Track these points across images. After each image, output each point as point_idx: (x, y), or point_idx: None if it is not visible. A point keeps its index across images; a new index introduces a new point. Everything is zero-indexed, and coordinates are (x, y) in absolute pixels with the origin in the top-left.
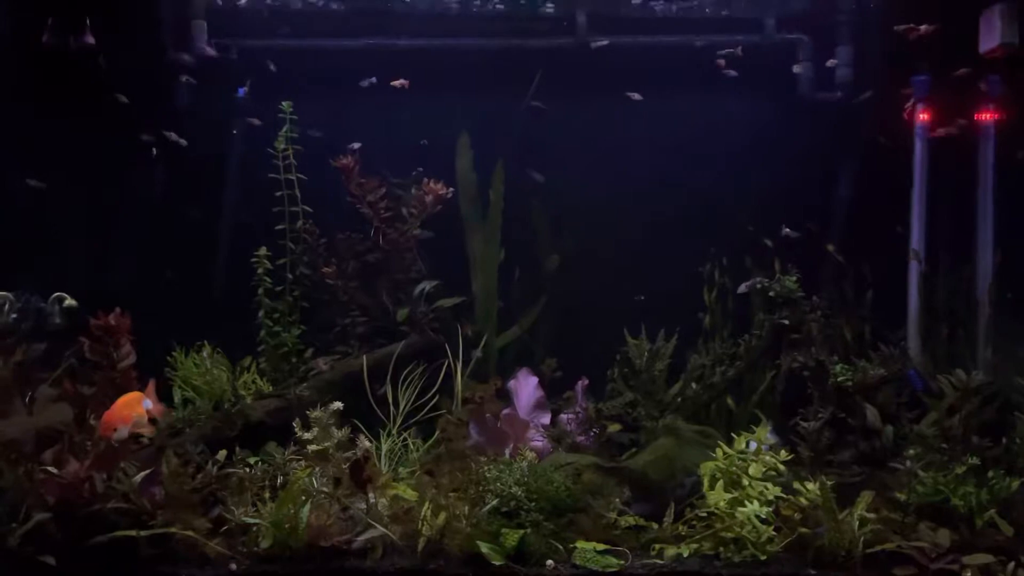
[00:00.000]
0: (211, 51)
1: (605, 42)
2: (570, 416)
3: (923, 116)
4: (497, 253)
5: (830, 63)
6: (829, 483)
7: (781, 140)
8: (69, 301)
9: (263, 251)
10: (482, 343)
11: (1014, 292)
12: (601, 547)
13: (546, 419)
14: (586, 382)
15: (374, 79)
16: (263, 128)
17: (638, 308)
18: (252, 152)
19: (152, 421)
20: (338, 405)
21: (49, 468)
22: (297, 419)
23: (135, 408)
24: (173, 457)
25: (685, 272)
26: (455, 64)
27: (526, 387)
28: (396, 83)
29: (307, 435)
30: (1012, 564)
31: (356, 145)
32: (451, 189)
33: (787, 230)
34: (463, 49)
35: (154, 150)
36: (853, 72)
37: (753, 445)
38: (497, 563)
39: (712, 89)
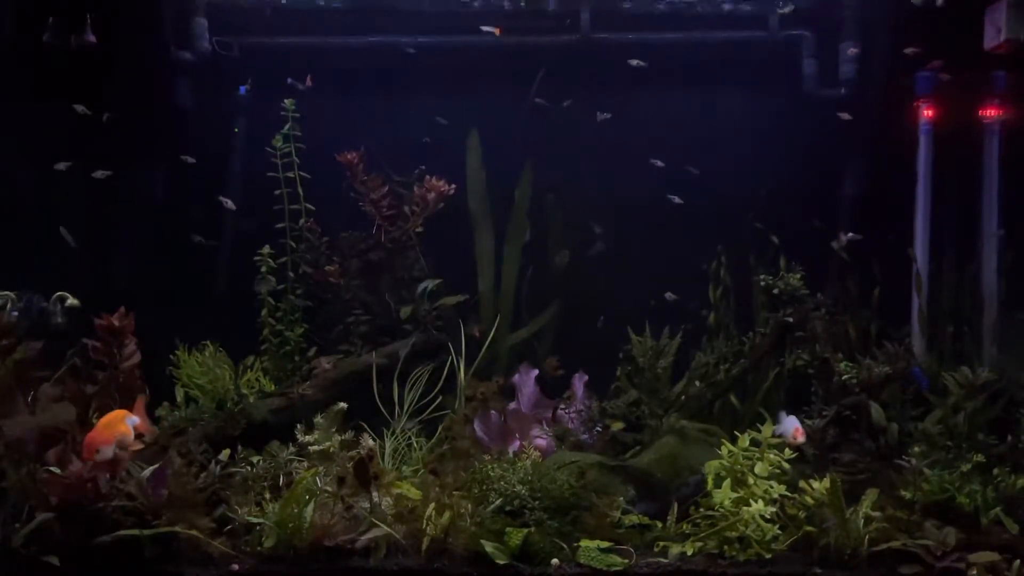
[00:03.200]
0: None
1: None
2: (571, 414)
3: (927, 112)
4: (519, 252)
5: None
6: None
7: (787, 137)
8: (71, 301)
9: (266, 250)
10: (487, 342)
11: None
12: (605, 545)
13: (547, 414)
14: (585, 377)
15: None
16: (268, 126)
17: (643, 306)
18: (256, 151)
19: (139, 437)
20: (342, 406)
21: (52, 468)
22: (300, 422)
23: (117, 427)
24: (177, 457)
25: (691, 269)
26: (460, 62)
27: (528, 381)
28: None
29: (309, 438)
30: (1018, 562)
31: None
32: (453, 186)
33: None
34: (468, 46)
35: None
36: (859, 69)
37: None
38: (501, 562)
39: (717, 85)
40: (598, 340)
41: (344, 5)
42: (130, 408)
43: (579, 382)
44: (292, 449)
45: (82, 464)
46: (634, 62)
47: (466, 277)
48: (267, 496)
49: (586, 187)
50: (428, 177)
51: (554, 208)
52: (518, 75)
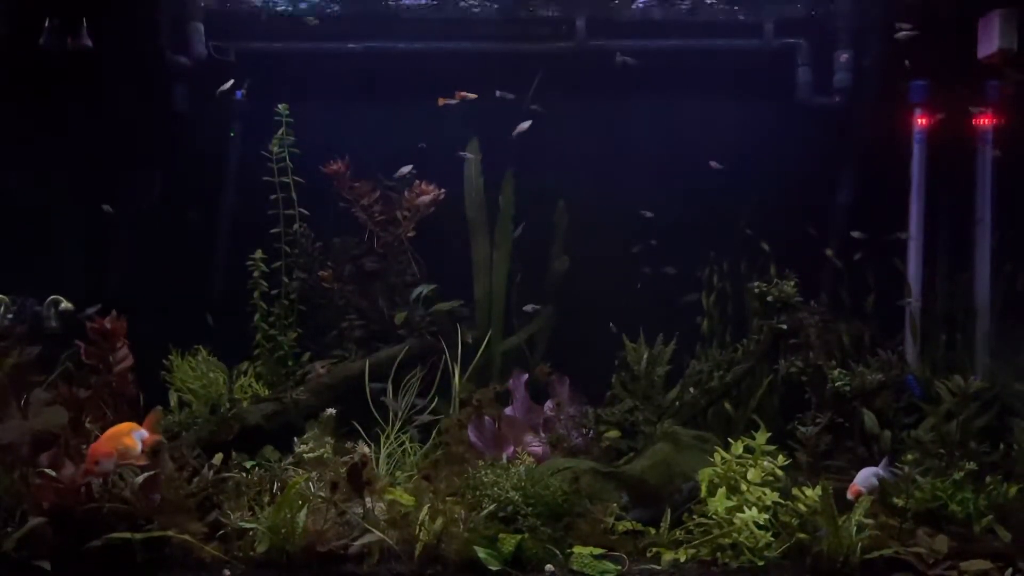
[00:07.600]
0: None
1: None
2: (563, 419)
3: (921, 121)
4: (508, 258)
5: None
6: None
7: (781, 145)
8: (65, 304)
9: (259, 254)
10: (482, 347)
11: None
12: (598, 552)
13: (539, 419)
14: (567, 379)
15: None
16: (262, 132)
17: (638, 312)
18: (250, 156)
19: (147, 451)
20: (331, 412)
21: (47, 471)
22: (294, 427)
23: (121, 440)
24: (169, 461)
25: (685, 276)
26: (457, 68)
27: (520, 387)
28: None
29: (303, 447)
30: (1010, 570)
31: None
32: (443, 190)
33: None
34: (464, 53)
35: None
36: (853, 77)
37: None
38: (494, 568)
39: (711, 94)
40: (593, 345)
41: (341, 11)
42: (134, 418)
43: (561, 386)
44: (290, 460)
45: (75, 469)
46: (623, 59)
47: (466, 283)
48: (265, 500)
49: (580, 194)
50: (417, 182)
51: (560, 214)
52: (515, 81)
